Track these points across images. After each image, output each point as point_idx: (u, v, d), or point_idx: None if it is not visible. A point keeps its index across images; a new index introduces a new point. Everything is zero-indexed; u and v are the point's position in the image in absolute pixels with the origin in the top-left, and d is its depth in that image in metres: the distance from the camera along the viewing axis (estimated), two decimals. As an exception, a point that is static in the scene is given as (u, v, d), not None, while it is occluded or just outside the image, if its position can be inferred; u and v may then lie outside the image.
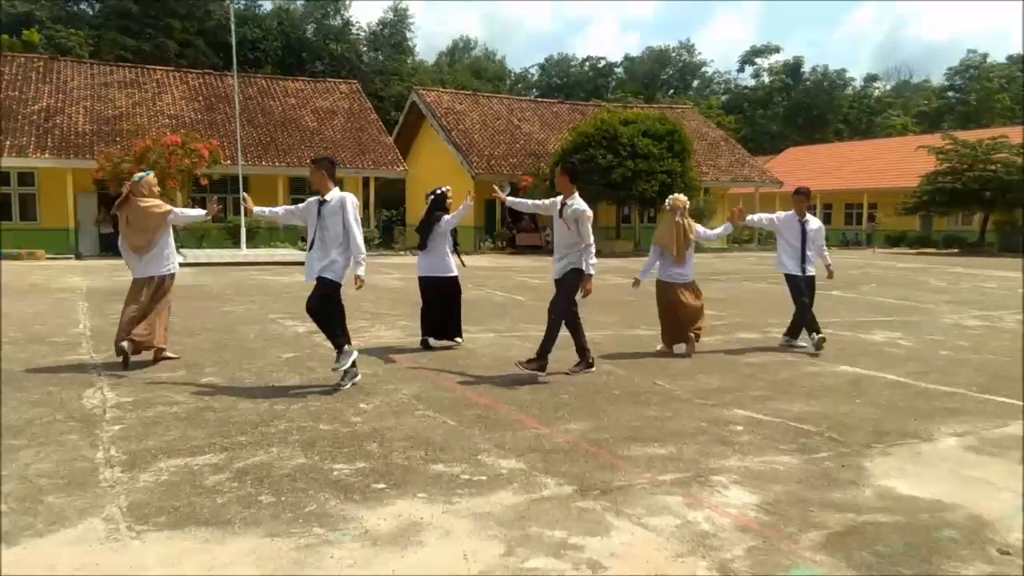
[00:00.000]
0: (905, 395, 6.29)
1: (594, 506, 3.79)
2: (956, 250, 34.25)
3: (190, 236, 25.23)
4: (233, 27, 27.55)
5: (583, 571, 3.10)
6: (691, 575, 3.09)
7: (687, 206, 8.20)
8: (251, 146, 27.94)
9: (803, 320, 8.33)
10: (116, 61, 35.93)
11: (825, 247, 8.67)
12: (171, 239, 7.41)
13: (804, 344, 8.38)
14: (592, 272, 6.74)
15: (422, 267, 8.36)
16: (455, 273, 8.35)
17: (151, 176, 7.42)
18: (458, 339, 8.39)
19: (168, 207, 7.29)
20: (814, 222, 8.47)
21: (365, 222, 29.64)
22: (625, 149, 27.37)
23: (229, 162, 25.48)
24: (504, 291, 14.39)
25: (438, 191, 8.49)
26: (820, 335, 8.14)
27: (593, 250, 6.76)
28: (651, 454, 4.63)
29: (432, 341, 8.26)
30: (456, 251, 8.54)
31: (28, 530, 3.40)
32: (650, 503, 3.84)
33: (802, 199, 8.48)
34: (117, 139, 25.53)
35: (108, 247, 24.54)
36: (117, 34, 49.65)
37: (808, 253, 8.32)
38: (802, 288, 8.32)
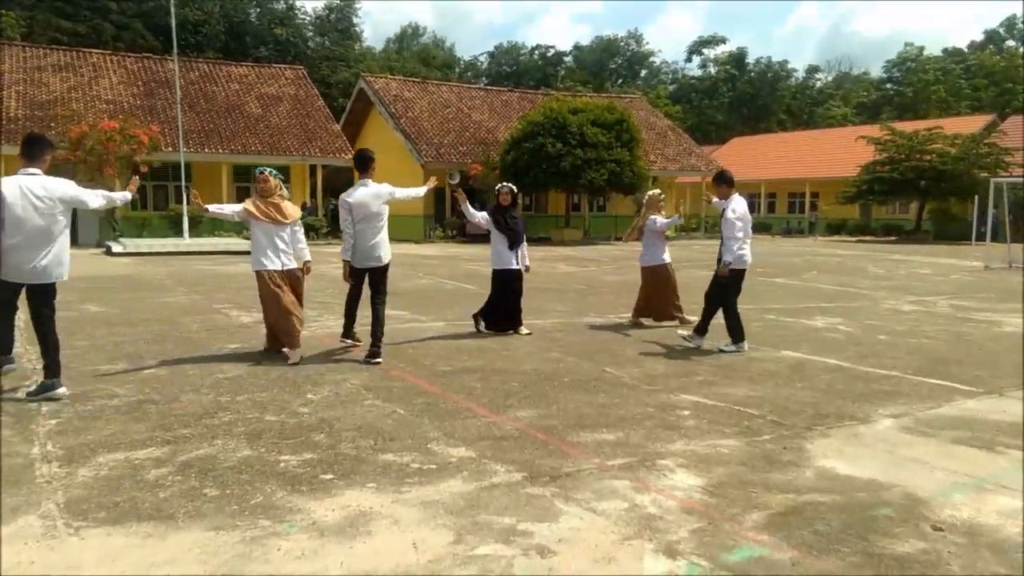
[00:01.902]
0: (844, 378, 6.47)
1: (543, 492, 3.81)
2: (894, 238, 35.34)
3: (129, 225, 24.56)
4: (173, 9, 26.76)
5: (532, 557, 3.12)
6: (638, 558, 3.14)
7: (646, 199, 9.65)
8: (193, 133, 27.26)
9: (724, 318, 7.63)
10: (50, 44, 34.60)
11: (735, 240, 7.43)
12: (253, 239, 7.01)
13: (733, 348, 7.58)
14: (343, 256, 7.10)
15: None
16: (512, 266, 8.49)
17: (259, 172, 7.09)
18: (522, 329, 8.48)
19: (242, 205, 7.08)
20: (728, 210, 7.51)
21: (314, 210, 29.23)
22: (574, 138, 27.50)
23: (170, 149, 24.81)
24: (454, 280, 14.36)
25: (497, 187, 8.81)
26: (695, 337, 7.70)
27: (344, 236, 7.08)
28: (599, 440, 4.67)
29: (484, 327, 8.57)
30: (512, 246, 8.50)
31: (-41, 529, 3.28)
32: (598, 488, 3.88)
33: (714, 184, 7.88)
34: (51, 125, 24.63)
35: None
36: (51, 15, 47.76)
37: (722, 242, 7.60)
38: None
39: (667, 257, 9.37)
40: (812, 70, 77.75)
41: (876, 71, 74.87)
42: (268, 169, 7.14)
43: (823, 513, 3.61)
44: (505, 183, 8.98)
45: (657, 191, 9.76)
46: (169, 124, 26.20)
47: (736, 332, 7.62)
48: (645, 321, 9.27)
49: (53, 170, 5.70)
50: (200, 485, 3.82)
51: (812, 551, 3.21)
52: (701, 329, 7.75)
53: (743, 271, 7.68)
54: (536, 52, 79.59)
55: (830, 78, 79.47)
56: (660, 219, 9.36)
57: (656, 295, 9.21)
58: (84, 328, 8.45)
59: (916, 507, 3.71)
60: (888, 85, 67.44)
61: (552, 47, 79.80)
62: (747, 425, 5.03)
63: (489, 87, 46.46)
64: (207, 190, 27.61)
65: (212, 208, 7.10)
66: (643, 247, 9.42)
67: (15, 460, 4.15)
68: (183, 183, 23.68)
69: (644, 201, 9.69)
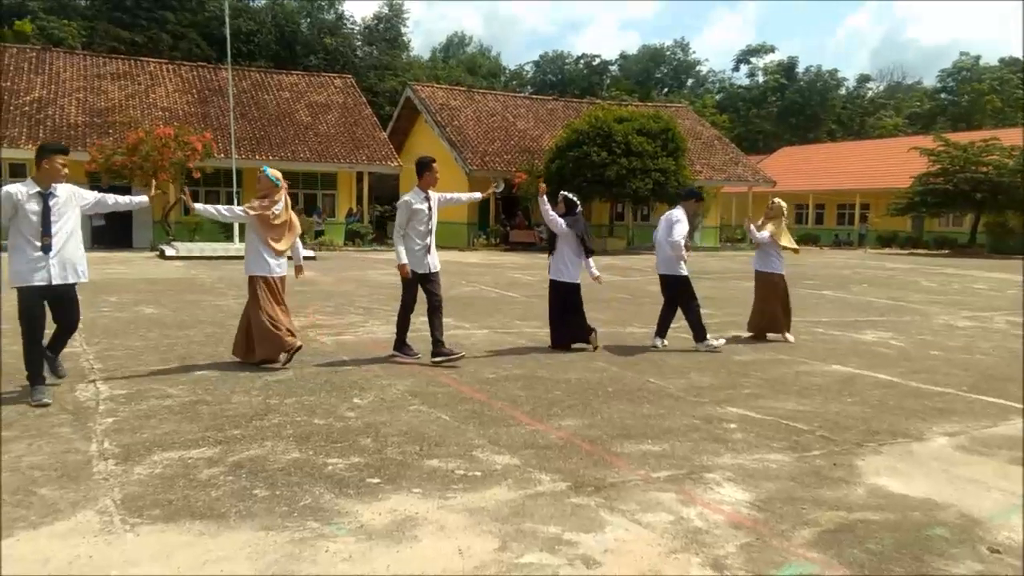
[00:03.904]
0: (896, 394, 6.33)
1: (588, 502, 3.80)
2: (947, 251, 34.45)
3: (182, 229, 25.13)
4: (228, 19, 27.43)
5: (577, 567, 3.12)
6: (684, 572, 3.11)
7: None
8: (244, 140, 27.84)
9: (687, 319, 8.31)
10: (109, 52, 35.74)
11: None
12: (248, 243, 6.94)
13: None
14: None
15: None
16: (551, 275, 8.14)
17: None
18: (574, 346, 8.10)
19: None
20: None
21: (360, 217, 29.65)
22: (619, 147, 27.40)
23: (222, 156, 25.38)
24: (498, 288, 14.40)
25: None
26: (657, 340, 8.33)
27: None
28: (645, 451, 4.64)
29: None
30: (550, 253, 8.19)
31: (21, 522, 3.39)
32: (644, 500, 3.86)
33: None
34: (110, 131, 25.40)
35: (99, 239, 24.43)
36: (110, 25, 49.43)
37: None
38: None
39: (776, 267, 9.03)
40: (863, 79, 76.46)
41: (930, 80, 73.30)
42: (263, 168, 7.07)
43: (875, 531, 3.53)
44: (562, 192, 8.41)
45: (776, 201, 9.29)
46: (222, 131, 26.81)
47: (661, 326, 8.39)
48: (770, 336, 8.95)
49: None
50: (250, 485, 3.90)
51: (864, 570, 3.15)
52: (701, 334, 8.25)
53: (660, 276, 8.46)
54: (581, 61, 79.61)
55: (882, 88, 78.02)
56: (755, 231, 9.07)
57: (765, 303, 8.96)
58: (138, 329, 8.68)
59: (972, 528, 3.61)
60: (942, 95, 65.95)
61: (598, 56, 79.77)
62: (796, 440, 4.96)
63: (534, 96, 46.58)
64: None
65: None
66: (756, 252, 9.31)
67: (75, 457, 4.28)
68: (234, 189, 24.20)
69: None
